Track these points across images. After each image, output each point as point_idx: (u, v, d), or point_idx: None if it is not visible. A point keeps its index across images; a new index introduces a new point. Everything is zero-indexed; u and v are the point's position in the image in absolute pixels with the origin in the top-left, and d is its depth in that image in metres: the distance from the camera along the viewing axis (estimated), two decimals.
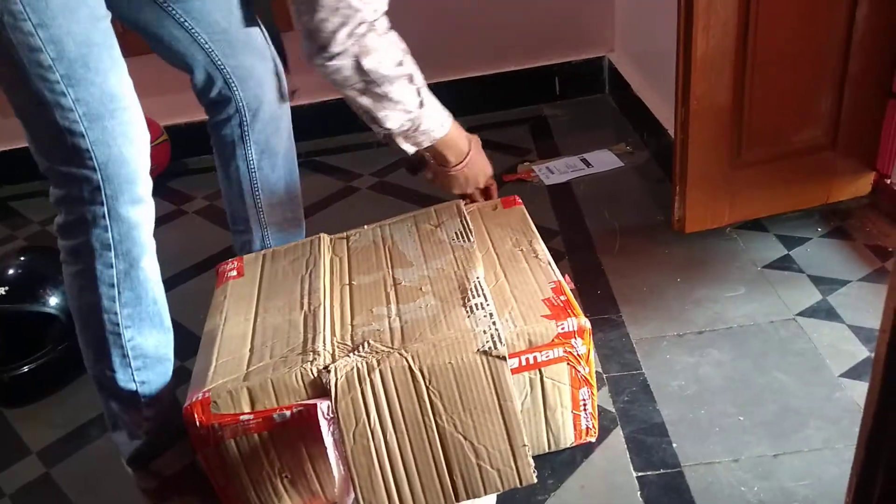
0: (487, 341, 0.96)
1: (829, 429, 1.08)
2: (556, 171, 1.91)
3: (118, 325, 0.99)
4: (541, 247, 1.19)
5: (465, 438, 0.95)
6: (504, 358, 0.96)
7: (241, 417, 0.95)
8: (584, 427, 1.12)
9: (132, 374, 1.02)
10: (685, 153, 1.41)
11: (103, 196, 0.94)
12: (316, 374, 0.96)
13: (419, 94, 1.10)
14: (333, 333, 1.03)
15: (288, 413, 0.96)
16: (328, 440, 0.95)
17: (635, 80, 2.05)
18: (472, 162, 1.26)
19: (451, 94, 1.31)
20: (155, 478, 1.08)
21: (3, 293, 1.41)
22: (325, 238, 1.27)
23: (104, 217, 0.95)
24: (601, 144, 1.99)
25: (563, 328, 1.01)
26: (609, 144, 1.99)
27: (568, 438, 1.12)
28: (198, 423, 0.94)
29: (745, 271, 1.42)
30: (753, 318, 1.30)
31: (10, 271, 1.47)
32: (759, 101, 1.38)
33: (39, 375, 1.42)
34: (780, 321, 1.29)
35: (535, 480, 0.98)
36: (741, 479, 1.02)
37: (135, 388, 1.03)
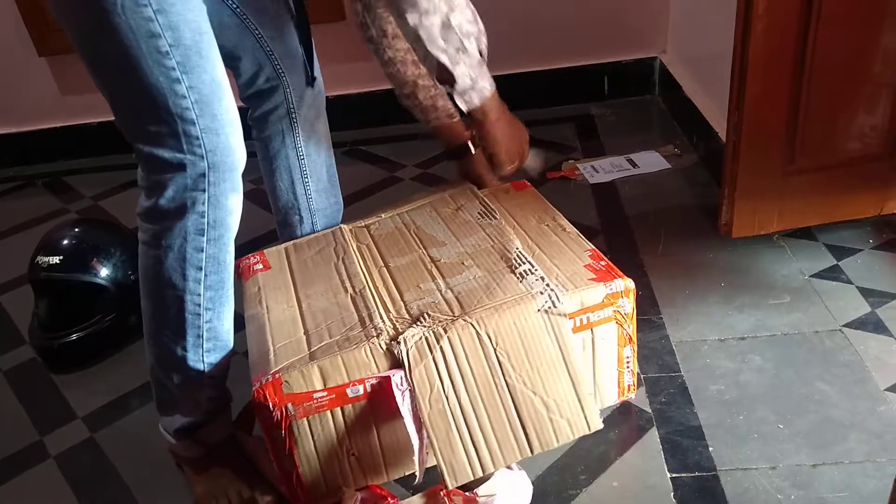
0: (546, 301, 1.01)
1: (871, 442, 1.06)
2: (601, 170, 1.90)
3: (199, 306, 1.01)
4: (565, 221, 1.22)
5: (535, 394, 0.98)
6: (564, 315, 1.00)
7: (315, 395, 0.97)
8: (626, 385, 1.15)
9: (202, 355, 1.04)
10: (736, 157, 1.39)
11: (206, 183, 0.95)
12: (385, 347, 0.98)
13: (481, 52, 1.13)
14: (387, 311, 1.05)
15: (361, 387, 0.98)
16: (404, 409, 0.97)
17: (687, 81, 2.03)
18: (511, 119, 1.26)
19: (497, 89, 1.31)
20: (201, 446, 1.10)
21: (57, 262, 1.45)
22: (346, 228, 1.29)
23: (203, 203, 0.96)
24: (648, 146, 1.97)
25: (611, 289, 1.05)
26: (656, 146, 1.97)
27: (612, 396, 1.15)
28: (270, 404, 0.95)
29: (792, 279, 1.40)
30: (798, 327, 1.28)
31: (64, 242, 1.50)
32: (816, 108, 1.35)
33: (87, 344, 1.46)
34: (826, 331, 1.27)
35: (602, 426, 1.02)
36: (778, 486, 1.01)
37: (202, 369, 1.04)
